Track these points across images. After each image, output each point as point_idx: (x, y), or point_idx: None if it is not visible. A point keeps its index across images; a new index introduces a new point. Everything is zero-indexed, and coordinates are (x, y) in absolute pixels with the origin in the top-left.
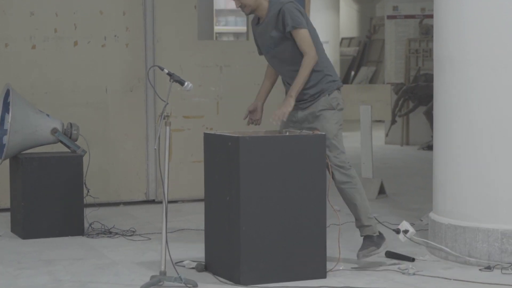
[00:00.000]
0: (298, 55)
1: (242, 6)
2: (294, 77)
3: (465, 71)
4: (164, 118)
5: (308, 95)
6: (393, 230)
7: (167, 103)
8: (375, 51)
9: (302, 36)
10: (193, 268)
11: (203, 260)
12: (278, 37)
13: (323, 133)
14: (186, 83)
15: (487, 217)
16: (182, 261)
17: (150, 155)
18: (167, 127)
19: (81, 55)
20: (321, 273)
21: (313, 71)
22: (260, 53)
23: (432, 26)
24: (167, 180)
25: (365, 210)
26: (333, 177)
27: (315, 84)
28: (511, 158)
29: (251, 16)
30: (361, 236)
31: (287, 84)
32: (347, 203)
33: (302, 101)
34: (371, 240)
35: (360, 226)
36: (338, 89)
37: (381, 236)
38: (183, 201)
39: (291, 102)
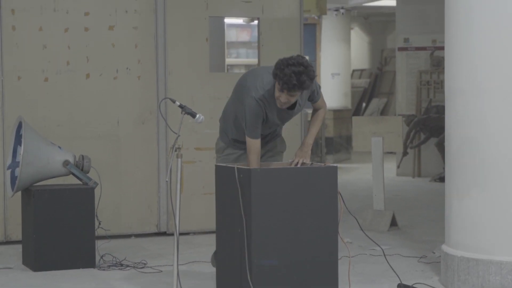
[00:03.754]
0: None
1: (288, 102)
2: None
3: (476, 103)
4: (175, 150)
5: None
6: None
7: (179, 135)
8: (386, 83)
9: (321, 95)
10: None
11: None
12: (303, 103)
13: (335, 165)
14: (197, 115)
15: (500, 249)
16: None
17: (162, 187)
18: (179, 159)
19: (93, 88)
20: None
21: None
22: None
23: (443, 58)
24: (178, 212)
25: None
26: None
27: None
28: None
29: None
30: None
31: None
32: None
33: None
34: None
35: None
36: None
37: None
38: (194, 233)
39: (309, 151)
